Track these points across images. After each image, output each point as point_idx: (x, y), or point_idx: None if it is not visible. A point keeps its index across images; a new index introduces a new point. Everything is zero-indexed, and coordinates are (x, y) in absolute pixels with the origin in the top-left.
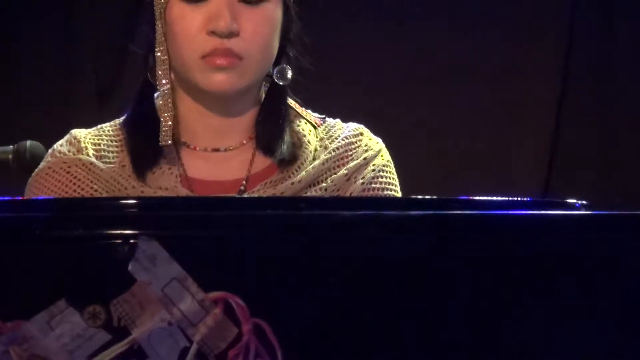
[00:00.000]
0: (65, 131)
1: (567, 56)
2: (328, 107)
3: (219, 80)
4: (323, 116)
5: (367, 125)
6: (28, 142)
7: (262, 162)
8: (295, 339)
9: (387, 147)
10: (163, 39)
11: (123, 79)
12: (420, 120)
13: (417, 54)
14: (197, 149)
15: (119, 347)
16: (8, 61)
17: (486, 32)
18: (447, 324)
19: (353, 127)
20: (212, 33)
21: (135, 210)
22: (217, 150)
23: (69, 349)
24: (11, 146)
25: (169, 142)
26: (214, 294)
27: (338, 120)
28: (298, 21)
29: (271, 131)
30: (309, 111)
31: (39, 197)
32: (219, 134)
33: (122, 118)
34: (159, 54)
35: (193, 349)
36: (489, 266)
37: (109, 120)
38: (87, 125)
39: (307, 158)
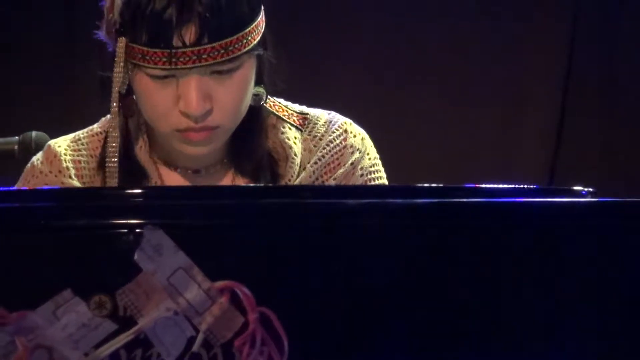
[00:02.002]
0: (70, 121)
1: (571, 46)
2: (330, 100)
3: (194, 150)
4: (305, 113)
5: (370, 119)
6: (33, 133)
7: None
8: (302, 328)
9: (391, 136)
10: (116, 111)
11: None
12: (426, 110)
13: (421, 43)
14: (178, 170)
15: (125, 337)
16: (12, 52)
17: (491, 21)
18: (453, 312)
19: (336, 125)
20: (185, 114)
21: (141, 199)
22: (197, 172)
23: (74, 338)
24: (17, 137)
25: None
26: (220, 283)
27: (321, 112)
28: (274, 59)
29: (249, 160)
30: (289, 105)
31: (44, 187)
32: (197, 160)
33: (96, 125)
34: (111, 129)
35: (199, 338)
36: (495, 254)
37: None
38: (91, 114)
39: (294, 173)
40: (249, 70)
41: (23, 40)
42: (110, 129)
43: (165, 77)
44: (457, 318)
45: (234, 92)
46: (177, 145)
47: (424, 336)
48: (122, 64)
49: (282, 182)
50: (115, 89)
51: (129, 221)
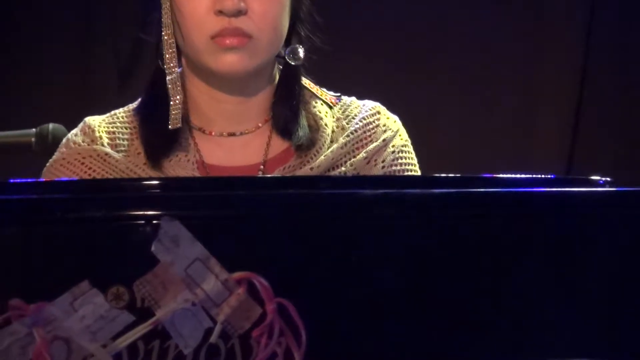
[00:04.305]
0: (87, 113)
1: (588, 35)
2: (346, 86)
3: (229, 61)
4: (338, 94)
5: (387, 104)
6: (50, 125)
7: (279, 145)
8: (320, 319)
9: (409, 124)
10: (170, 21)
11: (143, 59)
12: (442, 98)
13: (438, 31)
14: (213, 133)
15: (142, 328)
16: (29, 44)
17: (508, 11)
18: (470, 302)
19: (370, 106)
20: (220, 12)
21: (158, 190)
22: (232, 134)
23: (92, 330)
24: (34, 129)
25: (179, 125)
26: (238, 274)
27: (353, 98)
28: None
29: (287, 113)
30: (324, 90)
31: (62, 179)
32: (233, 118)
33: (136, 104)
34: (166, 37)
35: (217, 329)
36: (513, 244)
37: (131, 102)
38: (108, 106)
39: (325, 142)
40: None
41: (40, 33)
42: (166, 37)
43: None
44: (474, 308)
45: (268, 3)
46: (212, 60)
47: (441, 326)
48: None
49: (314, 149)
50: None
51: (146, 212)
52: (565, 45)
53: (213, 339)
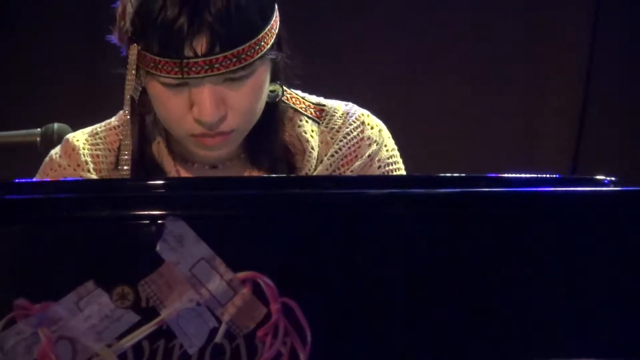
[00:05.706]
0: (92, 113)
1: (593, 32)
2: (350, 88)
3: (211, 153)
4: (323, 104)
5: (391, 105)
6: (55, 125)
7: (262, 172)
8: (324, 319)
9: (413, 125)
10: (128, 121)
11: None
12: (447, 98)
13: (442, 31)
14: (195, 165)
15: (147, 328)
16: (35, 44)
17: (513, 8)
18: (474, 302)
19: (353, 117)
20: (199, 121)
21: (163, 190)
22: (214, 167)
23: (97, 330)
24: (39, 129)
25: (128, 168)
26: (243, 274)
27: (336, 104)
28: (289, 60)
29: (265, 152)
30: (306, 97)
31: (67, 179)
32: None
33: (113, 119)
34: (124, 133)
35: (222, 329)
36: (517, 244)
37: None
38: (113, 107)
39: (311, 167)
40: (263, 74)
41: (45, 32)
42: (124, 133)
43: (178, 85)
44: (478, 308)
45: (248, 97)
46: (193, 148)
47: (445, 326)
48: (134, 70)
49: (301, 175)
50: (127, 96)
51: (151, 212)
52: (570, 45)
53: (218, 338)
